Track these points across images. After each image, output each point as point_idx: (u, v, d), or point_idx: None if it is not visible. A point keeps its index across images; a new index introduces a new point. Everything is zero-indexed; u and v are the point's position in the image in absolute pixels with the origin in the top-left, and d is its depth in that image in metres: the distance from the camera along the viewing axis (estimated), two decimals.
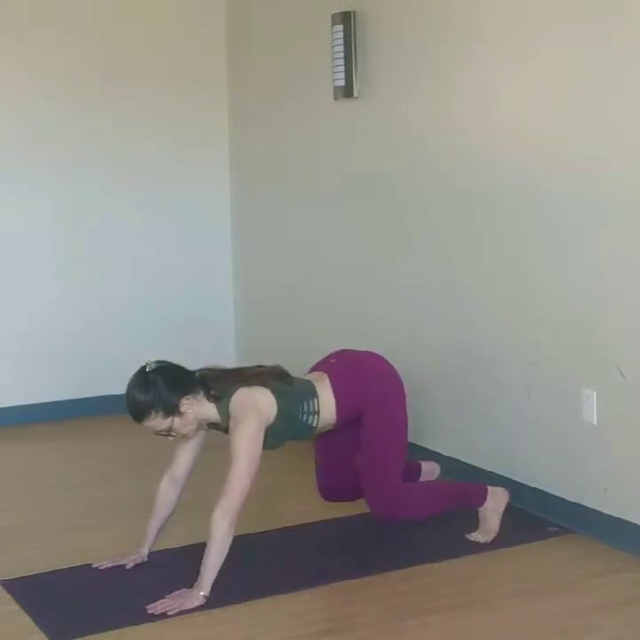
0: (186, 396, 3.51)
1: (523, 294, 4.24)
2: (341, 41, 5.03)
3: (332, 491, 4.05)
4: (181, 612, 3.34)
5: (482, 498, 3.94)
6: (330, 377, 3.77)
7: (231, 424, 3.52)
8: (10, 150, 5.74)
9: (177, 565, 3.66)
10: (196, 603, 3.37)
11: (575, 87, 3.92)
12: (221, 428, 3.62)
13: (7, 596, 3.53)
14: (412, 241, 4.85)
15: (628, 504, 3.82)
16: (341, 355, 3.94)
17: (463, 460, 4.57)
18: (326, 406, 3.71)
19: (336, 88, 5.15)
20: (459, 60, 4.48)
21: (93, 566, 3.73)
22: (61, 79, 5.80)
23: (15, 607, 3.45)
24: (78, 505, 4.49)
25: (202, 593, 3.39)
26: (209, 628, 3.28)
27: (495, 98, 4.32)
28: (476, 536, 3.93)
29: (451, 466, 4.48)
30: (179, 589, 3.44)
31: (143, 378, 3.52)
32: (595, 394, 3.92)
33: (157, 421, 3.51)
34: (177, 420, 3.51)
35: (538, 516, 4.15)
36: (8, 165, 5.74)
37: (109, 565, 3.72)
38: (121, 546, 3.85)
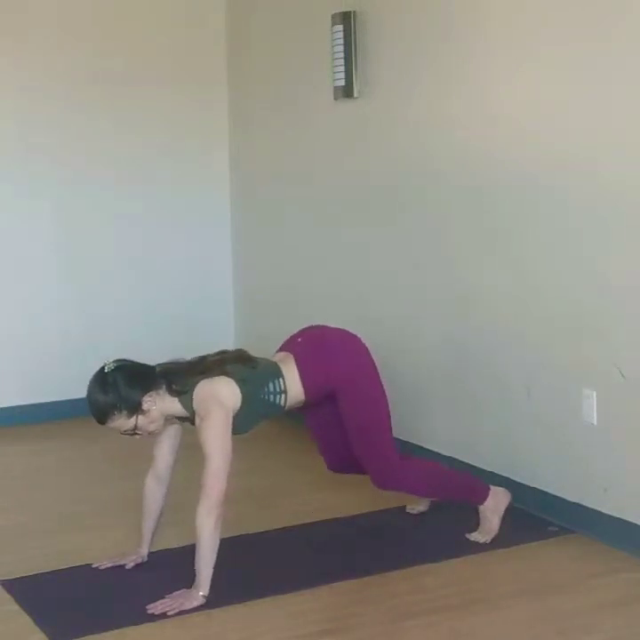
0: (148, 394, 3.49)
1: (523, 294, 4.24)
2: (341, 41, 5.03)
3: (336, 465, 4.05)
4: (181, 612, 3.34)
5: (483, 496, 3.95)
6: (295, 358, 3.73)
7: (197, 421, 3.51)
8: (10, 150, 5.74)
9: (177, 565, 3.66)
10: (196, 603, 3.37)
11: (575, 87, 3.92)
12: (189, 420, 3.60)
13: (7, 596, 3.53)
14: (412, 241, 4.84)
15: (627, 504, 3.82)
16: (308, 333, 3.90)
17: (463, 460, 4.57)
18: (293, 385, 3.68)
19: (336, 88, 5.15)
20: (459, 60, 4.48)
21: (93, 566, 3.73)
22: (61, 79, 5.80)
23: (15, 607, 3.46)
24: (78, 505, 4.49)
25: (201, 593, 3.39)
26: (209, 628, 3.28)
27: (495, 98, 4.32)
28: (476, 536, 3.93)
29: (451, 466, 4.48)
30: (179, 589, 3.44)
31: (102, 378, 3.50)
32: (595, 394, 3.92)
33: (121, 422, 3.49)
34: (141, 419, 3.49)
35: (538, 516, 4.15)
36: (8, 165, 5.74)
37: (109, 565, 3.72)
38: (121, 546, 3.85)
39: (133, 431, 3.52)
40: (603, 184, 3.83)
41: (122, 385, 3.47)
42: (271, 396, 3.66)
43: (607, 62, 3.78)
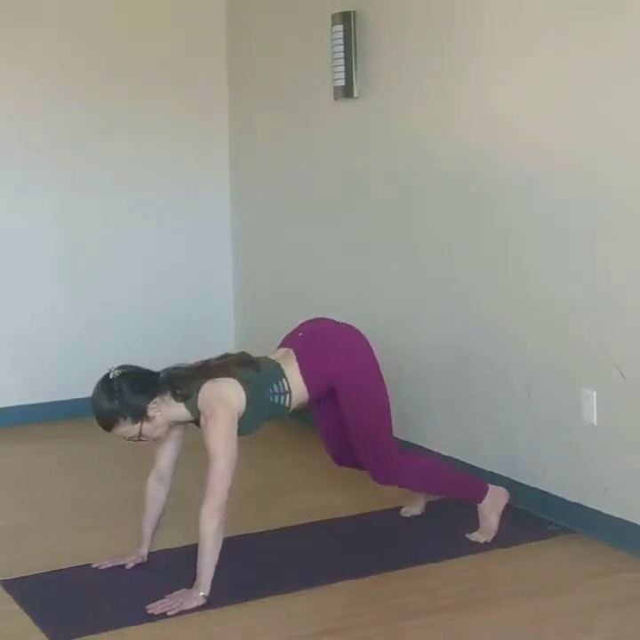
0: (153, 400, 3.49)
1: (523, 294, 4.24)
2: (341, 41, 5.03)
3: (340, 458, 4.05)
4: (181, 612, 3.34)
5: (482, 494, 3.95)
6: (296, 353, 3.74)
7: (202, 421, 3.51)
8: (10, 150, 5.73)
9: (177, 565, 3.66)
10: (196, 603, 3.37)
11: (575, 87, 3.92)
12: (194, 422, 3.60)
13: (7, 596, 3.53)
14: (412, 240, 4.84)
15: (628, 504, 3.82)
16: (309, 327, 3.90)
17: (463, 459, 4.57)
18: (296, 384, 3.69)
19: (336, 88, 5.15)
20: (459, 59, 4.48)
21: (93, 566, 3.73)
22: (61, 79, 5.80)
23: (15, 607, 3.45)
24: (78, 505, 4.49)
25: (201, 593, 3.39)
26: (209, 628, 3.28)
27: (495, 98, 4.32)
28: (476, 536, 3.93)
29: (451, 465, 4.48)
30: (179, 589, 3.44)
31: (108, 385, 3.50)
32: (595, 394, 3.92)
33: (127, 428, 3.49)
34: (146, 425, 3.49)
35: (538, 516, 4.15)
36: (8, 166, 5.74)
37: (109, 565, 3.72)
38: (121, 546, 3.85)
39: (138, 437, 3.53)
40: (603, 184, 3.83)
41: (127, 392, 3.47)
42: (276, 397, 3.66)
43: (607, 62, 3.78)
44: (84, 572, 3.71)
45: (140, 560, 3.74)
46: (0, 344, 5.78)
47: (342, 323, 3.94)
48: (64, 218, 5.89)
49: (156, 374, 3.58)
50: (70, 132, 5.84)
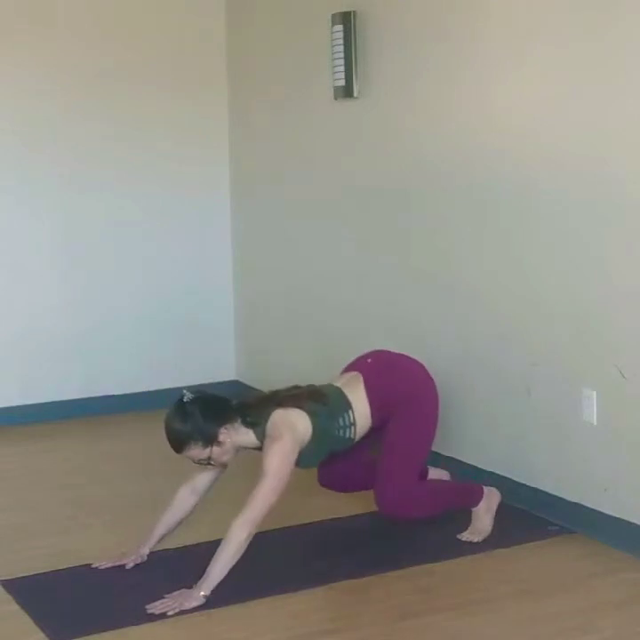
0: (224, 426, 3.54)
1: (523, 294, 4.23)
2: (341, 41, 5.03)
3: (328, 479, 4.06)
4: (181, 612, 3.34)
5: (478, 498, 3.96)
6: (364, 377, 3.81)
7: (266, 442, 3.55)
8: (10, 151, 5.73)
9: (177, 565, 3.66)
10: (196, 603, 3.37)
11: (575, 87, 3.92)
12: (259, 448, 3.63)
13: (7, 596, 3.53)
14: (412, 241, 4.84)
15: (627, 504, 3.82)
16: (378, 355, 3.99)
17: (463, 459, 4.57)
18: (361, 415, 3.76)
19: (336, 88, 5.15)
20: (459, 59, 4.48)
21: (93, 566, 3.73)
22: (61, 79, 5.80)
23: (15, 607, 3.45)
24: (78, 505, 4.49)
25: (202, 593, 3.39)
26: (209, 628, 3.28)
27: (495, 98, 4.32)
28: (467, 536, 3.93)
29: (451, 465, 4.48)
30: (179, 589, 3.44)
31: (182, 409, 3.54)
32: (595, 394, 3.92)
33: (197, 451, 3.54)
34: (216, 449, 3.55)
35: (538, 516, 4.15)
36: (8, 167, 5.73)
37: (109, 565, 3.72)
38: (121, 546, 3.85)
39: (208, 461, 3.57)
40: (603, 183, 3.83)
41: (199, 416, 3.52)
42: (342, 431, 3.72)
43: (607, 62, 3.78)
44: (83, 572, 3.71)
45: (139, 560, 3.74)
46: (0, 344, 5.78)
47: (405, 354, 4.01)
48: (64, 218, 5.88)
49: (228, 401, 3.64)
50: (70, 133, 5.83)
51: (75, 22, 5.82)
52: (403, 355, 4.01)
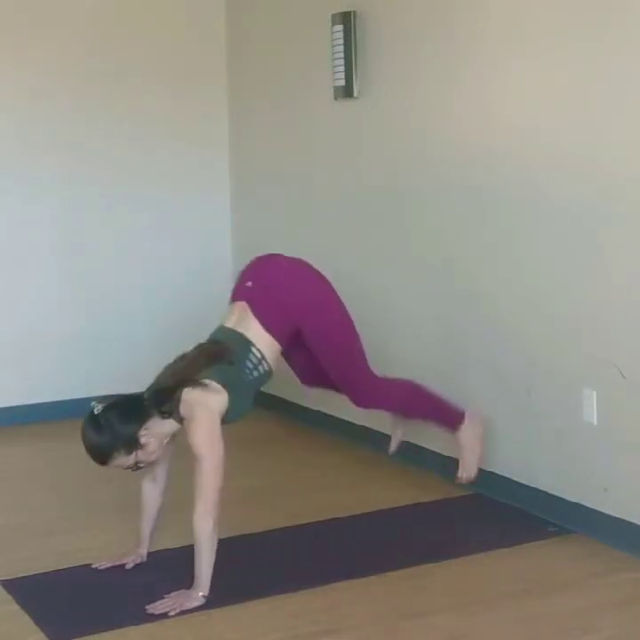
0: (143, 427, 3.46)
1: (523, 294, 4.23)
2: (341, 41, 5.03)
3: (311, 381, 4.10)
4: (181, 612, 3.34)
5: (459, 418, 3.96)
6: (252, 309, 3.72)
7: (185, 425, 3.49)
8: (10, 151, 5.74)
9: (177, 565, 3.66)
10: (196, 603, 3.37)
11: (575, 87, 3.92)
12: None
13: (7, 596, 3.53)
14: (411, 240, 4.85)
15: (627, 504, 3.82)
16: (257, 272, 3.88)
17: None
18: (266, 345, 3.67)
19: (336, 88, 5.15)
20: (459, 59, 4.48)
21: (93, 566, 3.73)
22: (61, 79, 5.80)
23: (15, 607, 3.45)
24: (78, 505, 4.49)
25: (201, 593, 3.39)
26: (209, 628, 3.28)
27: (495, 98, 4.32)
28: (460, 473, 3.99)
29: (451, 465, 4.48)
30: (179, 589, 3.44)
31: (95, 421, 3.45)
32: (595, 394, 3.92)
33: (122, 460, 3.47)
34: (141, 453, 3.48)
35: (538, 516, 4.15)
36: (8, 166, 5.74)
37: (109, 565, 3.72)
38: (121, 546, 3.85)
39: (136, 466, 3.52)
40: (603, 184, 3.82)
41: (116, 423, 3.44)
42: (255, 372, 3.65)
43: (607, 62, 3.78)
44: (83, 572, 3.71)
45: (139, 560, 3.74)
46: (0, 344, 5.78)
47: (286, 258, 3.92)
48: (64, 218, 5.89)
49: (140, 398, 3.55)
50: (71, 133, 5.84)
51: (75, 22, 5.83)
52: (278, 263, 3.88)
